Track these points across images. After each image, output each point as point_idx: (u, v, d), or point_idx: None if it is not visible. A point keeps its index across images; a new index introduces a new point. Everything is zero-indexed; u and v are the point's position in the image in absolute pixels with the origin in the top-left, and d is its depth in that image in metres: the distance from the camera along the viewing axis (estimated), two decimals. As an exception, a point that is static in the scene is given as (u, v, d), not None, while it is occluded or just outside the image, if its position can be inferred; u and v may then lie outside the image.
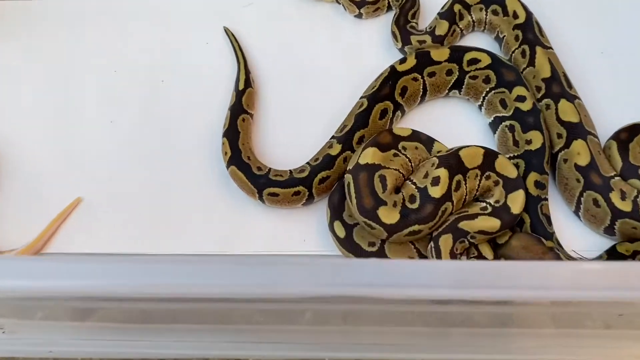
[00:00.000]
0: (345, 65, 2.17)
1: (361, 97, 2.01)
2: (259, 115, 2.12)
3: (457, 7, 2.16)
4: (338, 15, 2.28)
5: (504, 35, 2.13)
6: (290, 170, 1.95)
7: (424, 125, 1.99)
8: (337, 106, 2.02)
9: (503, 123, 1.96)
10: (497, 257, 1.78)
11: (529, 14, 2.11)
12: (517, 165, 1.86)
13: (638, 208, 1.78)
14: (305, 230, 1.93)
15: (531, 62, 2.03)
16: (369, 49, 2.22)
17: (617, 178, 1.85)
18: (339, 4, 2.26)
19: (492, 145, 1.99)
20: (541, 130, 1.90)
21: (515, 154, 1.91)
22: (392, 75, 2.00)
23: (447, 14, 2.15)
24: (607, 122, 1.99)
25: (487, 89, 2.01)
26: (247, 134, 2.03)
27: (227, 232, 1.91)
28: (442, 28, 2.13)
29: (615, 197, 1.79)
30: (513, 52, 2.09)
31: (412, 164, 1.85)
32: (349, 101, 2.05)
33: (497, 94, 1.99)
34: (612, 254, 1.81)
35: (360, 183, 1.75)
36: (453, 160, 1.76)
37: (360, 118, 1.95)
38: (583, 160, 1.85)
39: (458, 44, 2.18)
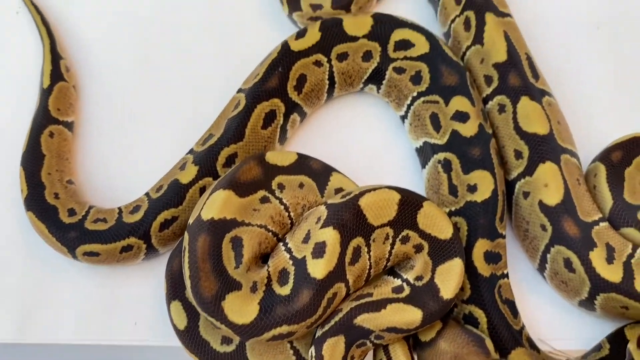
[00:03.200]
0: (216, 42, 1.52)
1: (238, 91, 1.36)
2: (83, 122, 1.44)
3: (372, -47, 1.45)
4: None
5: (440, -3, 1.44)
6: (119, 208, 1.31)
7: (325, 139, 1.40)
8: (203, 105, 1.44)
9: (435, 156, 1.29)
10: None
11: (476, -35, 1.41)
12: (454, 225, 1.20)
13: (632, 276, 1.15)
14: (139, 305, 1.30)
15: (478, 38, 1.35)
16: (254, 18, 1.53)
17: (602, 225, 1.21)
18: None
19: (421, 183, 1.35)
20: (491, 169, 1.24)
21: (453, 208, 1.25)
22: (284, 57, 1.33)
23: (357, -36, 1.45)
24: (596, 133, 1.35)
25: (415, 94, 1.33)
26: (59, 155, 1.39)
27: (23, 308, 1.34)
28: (349, -15, 1.43)
29: (597, 258, 1.16)
30: (452, 21, 1.41)
31: (292, 214, 1.20)
32: (221, 98, 1.39)
33: (427, 104, 1.32)
34: (617, 342, 1.18)
35: (199, 252, 1.10)
36: (348, 214, 1.10)
37: (233, 125, 1.29)
38: (552, 197, 1.21)
39: (377, 10, 1.48)
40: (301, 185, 1.20)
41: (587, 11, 1.50)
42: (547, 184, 1.22)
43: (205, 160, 1.28)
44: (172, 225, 1.28)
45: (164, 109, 1.46)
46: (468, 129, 1.26)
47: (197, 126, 1.38)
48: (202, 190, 1.28)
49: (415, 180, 1.36)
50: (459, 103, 1.27)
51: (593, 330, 1.25)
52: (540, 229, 1.22)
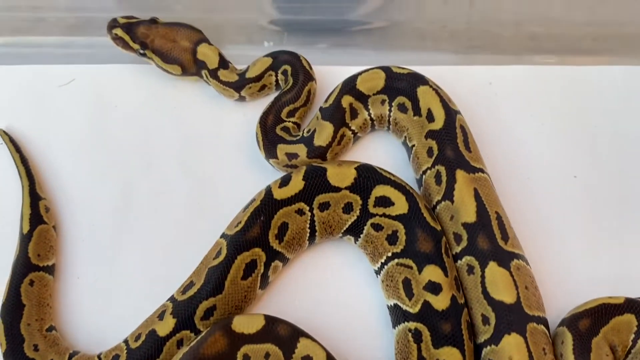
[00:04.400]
0: (198, 183, 1.53)
1: (221, 236, 1.36)
2: (64, 261, 1.47)
3: (346, 101, 1.47)
4: (209, 97, 1.58)
5: (413, 145, 1.45)
6: (99, 357, 1.33)
7: (300, 282, 1.41)
8: (185, 247, 1.45)
9: (406, 323, 1.30)
10: None
11: (450, 117, 1.42)
12: None
13: None
14: None
15: (448, 194, 1.36)
16: (237, 159, 1.54)
17: (568, 402, 1.22)
18: (208, 83, 1.57)
19: (391, 338, 1.34)
20: (461, 346, 1.24)
21: None
22: (267, 205, 1.34)
23: (331, 112, 1.46)
24: (568, 289, 1.36)
25: (390, 254, 1.34)
26: (39, 302, 1.41)
27: None
28: (324, 134, 1.44)
29: None
30: (424, 172, 1.42)
31: None
32: (203, 240, 1.40)
33: (400, 267, 1.32)
34: None
35: None
36: None
37: (214, 277, 1.30)
38: (517, 370, 1.21)
39: (352, 152, 1.50)
40: (267, 356, 1.21)
41: (564, 163, 1.52)
42: (512, 357, 1.22)
43: (184, 313, 1.29)
44: None
45: (145, 249, 1.46)
46: (440, 302, 1.25)
47: (179, 267, 1.38)
48: (180, 343, 1.28)
49: (386, 337, 1.36)
50: (433, 273, 1.27)
51: None
52: (505, 402, 1.23)
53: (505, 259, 1.30)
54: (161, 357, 1.28)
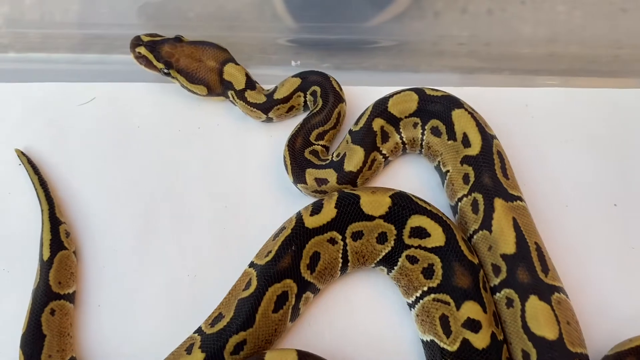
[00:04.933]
0: (223, 208, 1.47)
1: (250, 265, 1.31)
2: (85, 290, 1.42)
3: (377, 124, 1.41)
4: (234, 118, 1.53)
5: (448, 170, 1.40)
6: (123, 390, 1.27)
7: (331, 314, 1.35)
8: (210, 275, 1.40)
9: None
10: None
11: (487, 142, 1.36)
12: None
13: None
14: None
15: (486, 223, 1.31)
16: (264, 184, 1.49)
17: None
18: (234, 104, 1.52)
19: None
20: None
21: None
22: (298, 234, 1.28)
23: (362, 135, 1.41)
24: (610, 326, 1.30)
25: (425, 288, 1.28)
26: (60, 333, 1.36)
27: None
28: (355, 159, 1.39)
29: None
30: (460, 199, 1.37)
31: None
32: (228, 268, 1.36)
33: (437, 303, 1.26)
34: None
35: None
36: None
37: (244, 310, 1.24)
38: (560, 412, 1.16)
39: (383, 176, 1.45)
40: None
41: (603, 190, 1.46)
42: (556, 398, 1.17)
43: (213, 347, 1.23)
44: None
45: (168, 276, 1.41)
46: (480, 340, 1.20)
47: (204, 296, 1.34)
48: None
49: (421, 372, 1.32)
50: (471, 309, 1.22)
51: None
52: None
53: (546, 292, 1.24)
54: None
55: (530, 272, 1.26)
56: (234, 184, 1.48)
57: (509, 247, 1.27)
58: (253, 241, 1.35)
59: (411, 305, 1.32)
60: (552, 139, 1.51)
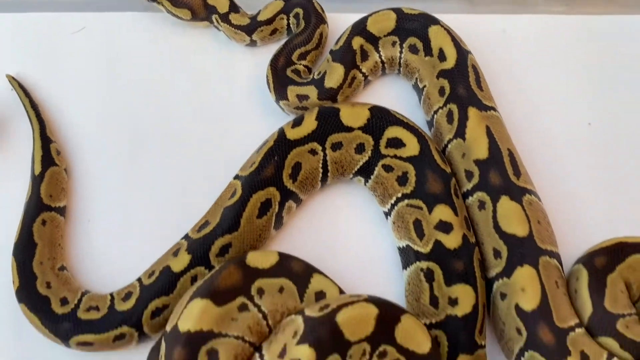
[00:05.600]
0: (210, 125, 1.53)
1: (235, 178, 1.36)
2: (75, 204, 1.47)
3: (357, 42, 1.46)
4: (219, 44, 1.58)
5: (425, 86, 1.44)
6: (112, 295, 1.33)
7: (313, 224, 1.41)
8: (198, 189, 1.46)
9: (418, 263, 1.29)
10: None
11: (462, 56, 1.41)
12: (434, 339, 1.21)
13: (607, 389, 1.15)
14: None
15: (460, 132, 1.36)
16: (248, 104, 1.54)
17: (579, 331, 1.21)
18: (218, 29, 1.56)
19: (401, 281, 1.34)
20: (474, 283, 1.24)
21: (434, 320, 1.24)
22: (280, 145, 1.34)
23: (342, 53, 1.46)
24: (581, 231, 1.35)
25: (400, 195, 1.33)
26: (51, 242, 1.41)
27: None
28: (335, 76, 1.44)
29: (572, 367, 1.16)
30: (436, 112, 1.41)
31: (270, 322, 1.20)
32: (215, 182, 1.41)
33: (411, 209, 1.32)
34: None
35: (173, 369, 1.11)
36: (325, 331, 1.11)
37: (230, 215, 1.30)
38: (529, 302, 1.21)
39: (363, 96, 1.50)
40: (281, 290, 1.21)
41: (579, 108, 1.51)
42: (524, 289, 1.22)
43: (199, 249, 1.29)
44: (163, 312, 1.29)
45: (156, 193, 1.46)
46: (452, 241, 1.25)
47: (191, 210, 1.39)
48: (194, 279, 1.29)
49: (395, 277, 1.36)
50: (443, 212, 1.27)
51: None
52: (516, 332, 1.22)
53: (517, 193, 1.29)
54: (175, 293, 1.29)
55: (502, 175, 1.31)
56: (220, 106, 1.53)
57: (482, 153, 1.32)
58: (239, 159, 1.40)
59: (387, 214, 1.37)
60: (527, 62, 1.55)
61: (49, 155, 1.46)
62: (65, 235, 1.44)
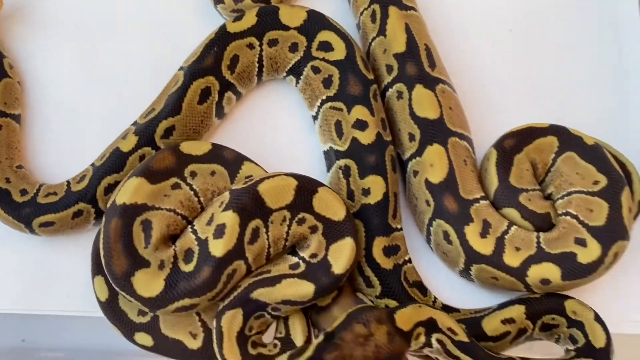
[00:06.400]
0: (169, 32, 1.63)
1: (179, 69, 1.47)
2: (30, 114, 1.59)
3: (287, -50, 1.55)
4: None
5: (354, -8, 1.54)
6: (67, 181, 1.46)
7: (250, 124, 1.52)
8: (154, 88, 1.51)
9: (337, 162, 1.40)
10: (314, 324, 1.31)
11: (382, -43, 1.50)
12: (348, 209, 1.32)
13: (502, 250, 1.28)
14: (75, 276, 1.44)
15: (382, 30, 1.46)
16: (189, 13, 1.64)
17: (483, 203, 1.33)
18: None
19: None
20: (384, 174, 1.35)
21: (352, 212, 1.35)
22: (220, 37, 1.44)
23: (273, -40, 1.55)
24: (496, 125, 1.44)
25: (324, 97, 1.44)
26: (8, 144, 1.52)
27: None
28: (268, -23, 1.53)
29: (471, 232, 1.28)
30: (361, 13, 1.51)
31: (202, 199, 1.33)
32: (159, 77, 1.51)
33: (333, 111, 1.42)
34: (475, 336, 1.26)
35: (112, 234, 1.24)
36: (248, 198, 1.23)
37: (172, 100, 1.41)
38: (436, 175, 1.33)
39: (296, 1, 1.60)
40: (213, 173, 1.33)
41: (500, 13, 1.60)
42: (433, 164, 1.34)
43: (145, 131, 1.40)
44: (115, 189, 1.38)
45: (106, 99, 1.57)
46: (366, 137, 1.36)
47: (141, 104, 1.48)
48: (142, 158, 1.39)
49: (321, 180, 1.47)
50: (360, 112, 1.38)
51: (480, 299, 1.38)
52: (425, 204, 1.34)
53: (431, 82, 1.40)
54: (124, 170, 1.39)
55: (418, 66, 1.41)
56: (167, 15, 1.64)
57: (400, 47, 1.43)
58: (180, 61, 1.49)
59: (315, 117, 1.47)
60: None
61: (2, 69, 1.55)
62: (22, 140, 1.55)
